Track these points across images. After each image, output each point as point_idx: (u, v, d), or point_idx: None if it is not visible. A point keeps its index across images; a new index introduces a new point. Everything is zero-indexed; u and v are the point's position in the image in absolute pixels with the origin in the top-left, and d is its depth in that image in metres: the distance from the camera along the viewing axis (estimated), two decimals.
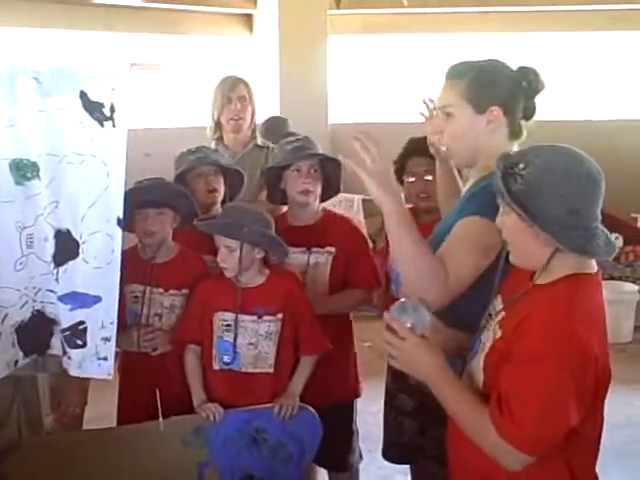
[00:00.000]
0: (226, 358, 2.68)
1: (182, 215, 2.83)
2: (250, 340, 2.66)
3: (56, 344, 2.36)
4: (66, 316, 2.28)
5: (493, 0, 6.01)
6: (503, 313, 1.86)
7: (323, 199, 2.97)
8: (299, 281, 2.82)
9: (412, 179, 2.89)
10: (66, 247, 2.21)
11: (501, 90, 2.11)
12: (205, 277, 2.81)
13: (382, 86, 6.47)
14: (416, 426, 2.68)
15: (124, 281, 2.41)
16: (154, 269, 2.75)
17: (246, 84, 3.82)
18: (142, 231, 2.71)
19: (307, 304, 2.76)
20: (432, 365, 1.81)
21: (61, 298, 2.26)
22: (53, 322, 2.34)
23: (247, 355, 2.67)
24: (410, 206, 2.98)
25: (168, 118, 5.38)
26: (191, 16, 5.78)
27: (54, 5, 5.12)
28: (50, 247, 2.22)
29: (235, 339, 2.66)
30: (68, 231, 2.21)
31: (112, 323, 2.32)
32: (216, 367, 2.70)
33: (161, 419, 2.43)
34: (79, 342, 2.30)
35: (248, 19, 6.01)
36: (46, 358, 2.38)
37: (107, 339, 2.32)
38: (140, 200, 2.63)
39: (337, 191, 2.99)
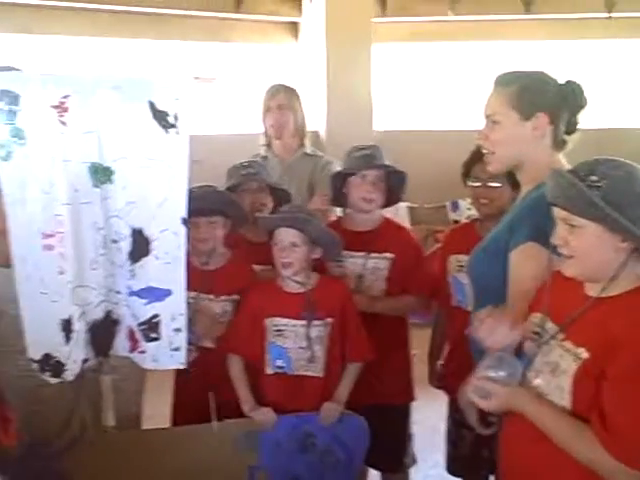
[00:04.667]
0: (279, 362, 2.72)
1: (233, 222, 2.89)
2: (301, 344, 2.70)
3: (120, 344, 2.47)
4: (142, 311, 2.39)
5: (540, 8, 5.96)
6: (562, 333, 1.87)
7: (382, 207, 3.02)
8: (348, 287, 2.86)
9: (476, 184, 2.90)
10: (140, 245, 2.33)
11: (547, 98, 2.14)
12: (255, 283, 2.86)
13: (427, 93, 6.48)
14: (477, 438, 2.70)
15: None
16: (205, 275, 2.81)
17: (288, 92, 3.87)
18: (194, 238, 2.75)
19: (355, 311, 2.79)
20: (527, 400, 1.86)
21: (138, 293, 2.37)
22: (117, 324, 2.44)
23: (299, 359, 2.71)
24: (475, 218, 3.03)
25: (216, 125, 5.46)
26: (238, 24, 5.84)
27: (111, 15, 5.23)
28: (127, 245, 2.33)
29: (287, 343, 2.70)
30: (141, 230, 2.33)
31: (182, 314, 2.42)
32: (269, 371, 2.74)
33: (215, 421, 2.48)
34: (154, 335, 2.41)
35: (294, 27, 6.06)
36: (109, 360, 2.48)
37: (179, 330, 2.43)
38: (192, 208, 2.69)
39: (397, 201, 3.06)
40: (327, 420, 2.70)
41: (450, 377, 2.89)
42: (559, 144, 2.19)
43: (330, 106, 5.66)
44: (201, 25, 5.66)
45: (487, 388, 1.90)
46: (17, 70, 2.30)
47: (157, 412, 2.98)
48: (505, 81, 2.18)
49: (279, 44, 6.07)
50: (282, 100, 3.78)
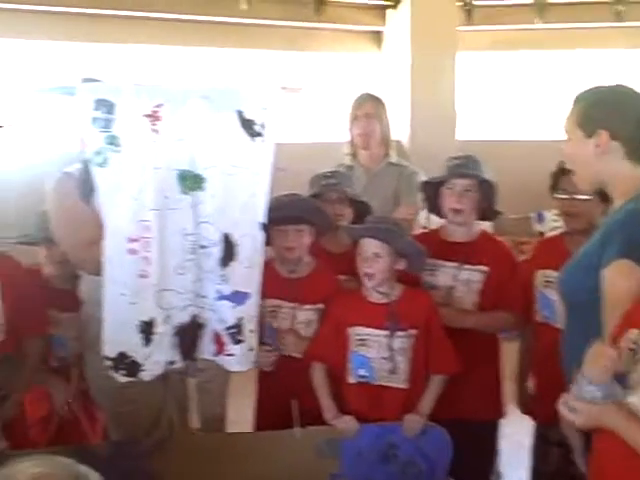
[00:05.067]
0: (362, 371, 2.72)
1: (318, 231, 2.91)
2: (384, 355, 2.69)
3: (205, 348, 2.53)
4: (231, 314, 2.47)
5: (630, 16, 5.81)
6: None
7: (483, 219, 3.00)
8: (433, 299, 2.83)
9: (564, 197, 2.85)
10: (229, 250, 2.41)
11: (613, 115, 2.11)
12: (340, 292, 2.87)
13: (512, 103, 6.40)
14: (564, 454, 2.64)
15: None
16: (291, 284, 2.83)
17: (375, 101, 3.87)
18: (281, 246, 2.78)
19: (440, 323, 2.77)
20: (619, 417, 1.80)
21: (227, 297, 2.45)
22: (203, 327, 2.50)
23: (381, 369, 2.70)
24: (564, 231, 2.97)
25: (300, 133, 5.50)
26: (320, 33, 5.87)
27: (196, 25, 5.33)
28: (217, 251, 2.41)
29: (370, 353, 2.70)
30: (229, 235, 2.40)
31: (255, 316, 2.52)
32: (352, 380, 2.74)
33: (297, 428, 2.50)
34: (240, 338, 2.50)
35: (377, 36, 6.06)
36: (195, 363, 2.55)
37: (252, 331, 2.52)
38: (279, 216, 2.70)
39: (494, 214, 3.00)
40: (410, 432, 2.68)
41: (536, 396, 2.84)
42: (637, 157, 2.14)
43: (414, 115, 5.63)
44: (284, 34, 5.70)
45: (578, 407, 1.86)
46: (97, 81, 2.36)
47: (239, 416, 3.02)
48: (578, 98, 2.19)
49: (362, 53, 6.08)
50: (369, 109, 3.79)
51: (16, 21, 4.81)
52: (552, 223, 5.22)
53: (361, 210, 3.12)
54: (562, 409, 1.91)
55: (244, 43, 5.62)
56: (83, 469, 1.29)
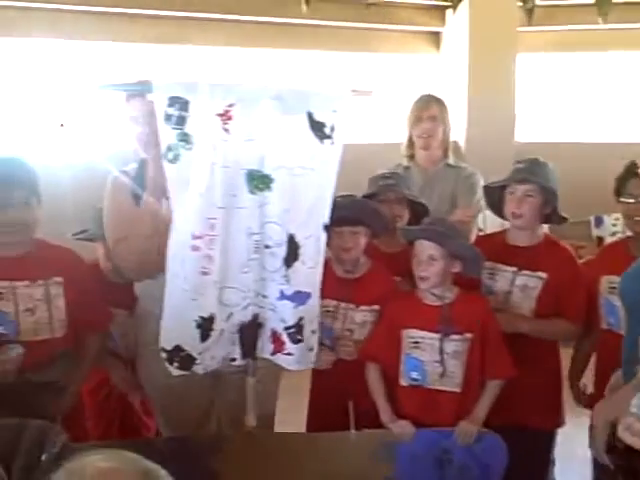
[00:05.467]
0: (414, 374, 2.70)
1: (374, 232, 2.90)
2: (436, 358, 2.67)
3: (262, 347, 2.55)
4: (291, 314, 2.49)
5: None
6: None
7: (546, 222, 2.96)
8: (489, 303, 2.81)
9: (630, 201, 2.79)
10: (292, 250, 2.43)
11: None
12: (395, 293, 2.86)
13: (573, 105, 6.30)
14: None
15: None
16: (347, 284, 2.82)
17: (439, 103, 3.83)
18: (338, 247, 2.78)
19: (497, 327, 2.73)
20: None
21: (289, 297, 2.47)
22: (261, 326, 2.52)
23: (434, 372, 2.68)
24: (628, 235, 2.92)
25: (356, 133, 5.49)
26: (379, 34, 5.87)
27: (258, 26, 5.38)
28: (282, 251, 2.43)
29: (423, 356, 2.68)
30: (293, 236, 2.42)
31: (317, 316, 2.54)
32: (404, 383, 2.73)
33: (353, 430, 2.49)
34: (299, 337, 2.52)
35: (435, 37, 6.03)
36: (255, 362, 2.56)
37: (314, 331, 2.54)
38: (337, 217, 2.70)
39: (562, 218, 2.95)
40: (463, 439, 2.65)
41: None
42: None
43: (471, 117, 5.59)
44: (342, 36, 5.72)
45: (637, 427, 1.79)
46: (152, 82, 2.39)
47: (289, 417, 3.03)
48: None
49: (420, 54, 6.05)
50: (435, 111, 3.75)
51: (82, 23, 4.89)
52: (612, 228, 5.14)
53: (418, 212, 3.10)
54: (624, 435, 1.84)
55: (304, 44, 5.65)
56: (151, 465, 1.28)
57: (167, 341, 2.44)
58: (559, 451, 3.12)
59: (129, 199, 2.50)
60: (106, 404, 3.05)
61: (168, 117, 2.23)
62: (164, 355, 2.46)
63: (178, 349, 2.44)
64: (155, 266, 2.48)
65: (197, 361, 2.46)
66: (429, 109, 3.76)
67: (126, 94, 2.48)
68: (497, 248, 2.90)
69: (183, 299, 2.39)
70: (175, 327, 2.42)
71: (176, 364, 2.46)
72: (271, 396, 2.82)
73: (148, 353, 2.73)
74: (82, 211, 3.09)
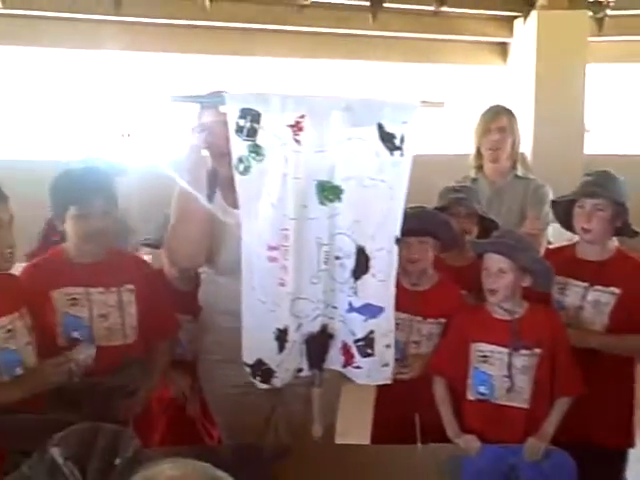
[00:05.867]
0: (482, 389, 2.67)
1: (443, 243, 2.88)
2: (504, 372, 2.64)
3: (333, 359, 2.53)
4: (360, 327, 2.46)
5: None
6: None
7: (617, 235, 2.91)
8: (560, 318, 2.76)
9: None
10: (361, 262, 2.40)
11: None
12: (464, 306, 2.84)
13: None
14: None
15: None
16: (415, 297, 2.82)
17: (508, 114, 3.78)
18: (405, 258, 2.76)
19: (567, 343, 2.69)
20: None
21: (358, 309, 2.44)
22: (332, 338, 2.51)
23: (502, 387, 2.65)
24: None
25: (427, 145, 5.48)
26: (445, 45, 5.84)
27: (328, 37, 5.42)
28: (350, 263, 2.41)
29: (492, 370, 2.65)
30: (363, 248, 2.40)
31: (391, 331, 2.49)
32: (471, 397, 2.70)
33: (419, 444, 2.47)
34: (369, 351, 2.48)
35: (502, 48, 5.97)
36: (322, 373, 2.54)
37: (388, 346, 2.50)
38: (405, 228, 2.70)
39: (634, 232, 2.89)
40: (531, 456, 2.60)
41: None
42: None
43: (537, 128, 5.51)
44: (410, 46, 5.71)
45: None
46: (225, 94, 2.39)
47: (351, 428, 3.02)
48: None
49: (488, 65, 6.00)
50: (503, 123, 3.71)
51: (150, 35, 4.99)
52: None
53: (488, 227, 3.08)
54: None
55: (373, 56, 5.66)
56: (220, 473, 1.30)
57: (249, 355, 2.45)
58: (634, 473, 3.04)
59: (195, 200, 2.51)
60: (170, 410, 3.08)
61: (239, 128, 2.25)
62: (248, 370, 2.46)
63: (260, 363, 2.44)
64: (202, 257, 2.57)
65: (275, 374, 2.46)
66: (498, 120, 3.72)
67: (200, 105, 2.52)
68: (567, 262, 2.85)
69: (261, 311, 2.39)
70: (255, 341, 2.42)
71: (259, 378, 2.47)
72: (333, 407, 2.82)
73: (208, 362, 2.76)
74: (147, 219, 3.14)
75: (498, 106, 3.86)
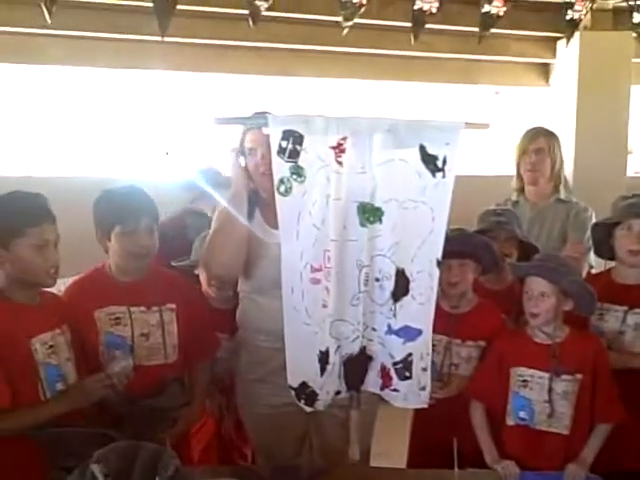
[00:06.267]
0: (522, 414, 2.64)
1: (484, 266, 2.87)
2: (545, 398, 2.61)
3: (371, 381, 2.53)
4: (399, 349, 2.46)
5: None
6: None
7: None
8: (602, 343, 2.73)
9: None
10: (401, 284, 2.40)
11: None
12: (504, 330, 2.81)
13: None
14: None
15: None
16: (454, 319, 2.81)
17: (547, 136, 3.76)
18: (445, 281, 2.75)
19: (608, 369, 2.65)
20: None
21: (397, 332, 2.44)
22: (371, 360, 2.51)
23: (542, 412, 2.62)
24: None
25: (469, 166, 5.46)
26: (487, 65, 5.83)
27: (368, 58, 5.45)
28: (390, 285, 2.41)
29: (532, 395, 2.62)
30: (403, 270, 2.40)
31: (428, 354, 2.48)
32: (510, 422, 2.67)
33: (456, 469, 2.44)
34: (407, 374, 2.47)
35: (544, 68, 5.94)
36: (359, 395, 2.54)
37: (425, 369, 2.48)
38: (445, 250, 2.69)
39: None
40: None
41: None
42: None
43: (579, 150, 5.46)
44: (452, 67, 5.71)
45: None
46: (268, 115, 2.43)
47: (385, 450, 3.01)
48: None
49: (529, 87, 5.97)
50: (541, 144, 3.69)
51: (193, 55, 5.06)
52: None
53: (527, 251, 3.07)
54: None
55: (414, 76, 5.67)
56: None
57: (294, 378, 2.45)
58: None
59: (234, 216, 2.54)
60: (204, 428, 3.09)
61: (282, 150, 2.26)
62: (292, 393, 2.46)
63: (304, 386, 2.45)
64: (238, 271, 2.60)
65: (319, 397, 2.46)
66: (535, 142, 3.71)
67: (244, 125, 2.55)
68: (605, 288, 2.81)
69: (306, 334, 2.39)
70: (300, 363, 2.43)
71: (303, 401, 2.47)
72: (368, 430, 2.80)
73: (245, 381, 2.77)
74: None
75: (537, 128, 3.84)
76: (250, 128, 2.52)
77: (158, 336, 2.62)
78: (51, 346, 2.38)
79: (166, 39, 4.36)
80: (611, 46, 5.38)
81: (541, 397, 2.61)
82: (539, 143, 3.70)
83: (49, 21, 4.05)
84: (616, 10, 5.46)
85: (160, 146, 5.67)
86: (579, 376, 2.61)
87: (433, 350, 2.69)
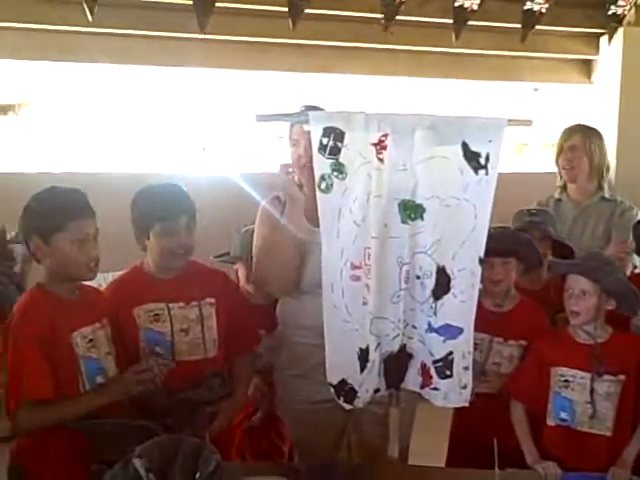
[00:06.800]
0: (563, 415, 2.62)
1: (526, 264, 2.84)
2: (586, 398, 2.58)
3: (410, 379, 2.51)
4: (439, 347, 2.44)
5: None
6: None
7: None
8: None
9: None
10: (442, 282, 2.39)
11: None
12: (545, 329, 2.79)
13: None
14: None
15: None
16: (497, 318, 2.79)
17: (583, 133, 3.73)
18: (488, 279, 2.74)
19: None
20: None
21: (437, 330, 2.42)
22: (411, 358, 2.50)
23: (584, 413, 2.59)
24: None
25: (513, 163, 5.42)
26: (529, 62, 5.76)
27: (409, 55, 5.41)
28: (431, 282, 2.40)
29: (573, 396, 2.60)
30: (444, 267, 2.38)
31: (470, 353, 2.46)
32: (551, 423, 2.65)
33: (497, 469, 2.41)
34: (448, 372, 2.45)
35: (587, 65, 5.86)
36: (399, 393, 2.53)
37: (466, 368, 2.46)
38: (488, 248, 2.67)
39: None
40: None
41: None
42: None
43: (620, 148, 5.38)
44: (493, 64, 5.65)
45: None
46: (321, 110, 2.42)
47: (425, 448, 2.99)
48: None
49: (572, 84, 5.89)
50: (576, 142, 3.67)
51: (233, 52, 5.07)
52: None
53: (563, 251, 3.05)
54: None
55: (456, 74, 5.62)
56: None
57: (333, 375, 2.44)
58: None
59: (279, 225, 2.56)
60: (241, 424, 3.09)
61: (323, 147, 2.26)
62: (332, 390, 2.46)
63: (343, 383, 2.43)
64: (294, 284, 2.60)
65: (358, 394, 2.44)
66: (569, 139, 3.70)
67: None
68: None
69: (346, 331, 2.38)
70: (339, 360, 2.42)
71: (342, 398, 2.46)
72: (407, 428, 2.79)
73: (284, 377, 2.79)
74: (222, 233, 3.17)
75: (573, 125, 3.82)
76: (295, 124, 2.52)
77: (197, 331, 2.63)
78: (91, 340, 2.41)
79: (208, 37, 4.38)
80: None
81: (583, 398, 2.59)
82: (574, 140, 3.68)
83: (90, 19, 4.10)
84: None
85: (199, 143, 5.72)
86: (622, 377, 2.58)
87: (475, 349, 2.67)
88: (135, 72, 5.12)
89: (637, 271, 3.34)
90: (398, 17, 4.60)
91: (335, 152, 2.26)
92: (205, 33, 4.35)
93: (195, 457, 1.69)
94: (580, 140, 3.69)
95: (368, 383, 2.45)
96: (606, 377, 2.58)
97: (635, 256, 3.39)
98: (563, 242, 3.15)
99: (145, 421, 2.22)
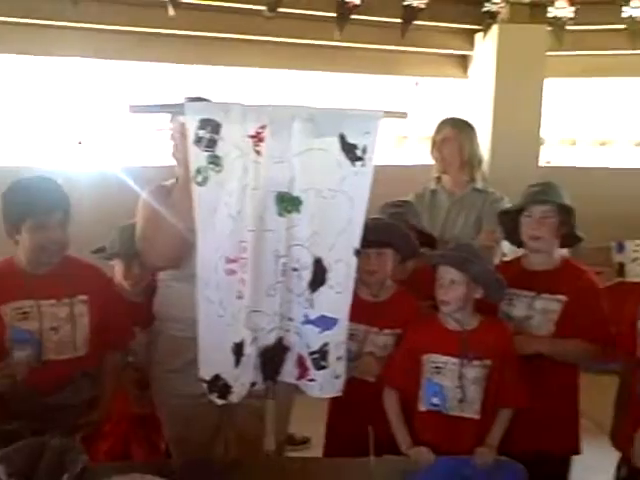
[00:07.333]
0: (435, 400, 2.69)
1: (403, 255, 2.91)
2: (456, 383, 2.67)
3: (287, 371, 2.52)
4: (315, 339, 2.45)
5: None
6: None
7: (564, 246, 2.95)
8: (510, 331, 2.80)
9: None
10: (319, 274, 2.39)
11: None
12: (416, 318, 2.85)
13: (599, 129, 6.27)
14: None
15: None
16: (372, 308, 2.83)
17: (455, 126, 3.84)
18: (363, 270, 2.75)
19: (514, 356, 2.74)
20: None
21: (313, 322, 2.43)
22: (288, 350, 2.50)
23: (453, 398, 2.68)
24: None
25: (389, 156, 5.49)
26: (409, 57, 5.87)
27: (289, 47, 5.39)
28: (307, 274, 2.39)
29: (444, 381, 2.68)
30: (321, 259, 2.38)
31: (343, 343, 2.48)
32: (423, 408, 2.72)
33: (372, 457, 2.46)
34: (323, 363, 2.47)
35: (463, 60, 6.01)
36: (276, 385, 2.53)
37: (340, 358, 2.48)
38: (363, 239, 2.70)
39: (576, 240, 2.94)
40: (481, 464, 2.62)
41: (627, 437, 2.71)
42: None
43: (494, 141, 5.56)
44: (373, 58, 5.72)
45: None
46: (206, 101, 2.39)
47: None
48: None
49: (449, 78, 6.05)
50: (447, 134, 3.77)
51: (110, 41, 4.94)
52: (633, 254, 5.08)
53: (427, 241, 3.14)
54: None
55: (336, 67, 5.66)
56: None
57: (206, 371, 2.41)
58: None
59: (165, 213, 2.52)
60: (116, 422, 3.03)
61: (199, 139, 2.21)
62: (205, 386, 2.42)
63: (217, 378, 2.41)
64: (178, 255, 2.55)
65: (232, 389, 2.42)
66: (441, 132, 3.81)
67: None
68: (515, 274, 2.88)
69: (220, 326, 2.35)
70: (212, 356, 2.39)
71: (215, 394, 2.43)
72: (284, 419, 2.81)
73: (158, 373, 2.75)
74: (99, 228, 3.09)
75: (446, 118, 3.92)
76: (174, 116, 2.48)
77: (67, 329, 2.56)
78: None
79: (84, 25, 4.25)
80: (527, 39, 5.47)
81: (453, 383, 2.67)
82: (445, 133, 3.79)
83: None
84: (533, 3, 5.56)
85: (74, 136, 5.55)
86: (488, 362, 2.67)
87: (351, 339, 2.70)
88: (8, 61, 4.91)
89: (506, 259, 3.47)
90: (280, 9, 4.59)
91: (211, 145, 2.21)
92: (82, 22, 4.22)
93: (61, 459, 1.65)
94: (451, 132, 3.79)
95: (244, 377, 2.43)
96: (475, 362, 2.66)
97: (505, 243, 3.54)
98: (425, 232, 3.22)
99: (11, 425, 2.15)
